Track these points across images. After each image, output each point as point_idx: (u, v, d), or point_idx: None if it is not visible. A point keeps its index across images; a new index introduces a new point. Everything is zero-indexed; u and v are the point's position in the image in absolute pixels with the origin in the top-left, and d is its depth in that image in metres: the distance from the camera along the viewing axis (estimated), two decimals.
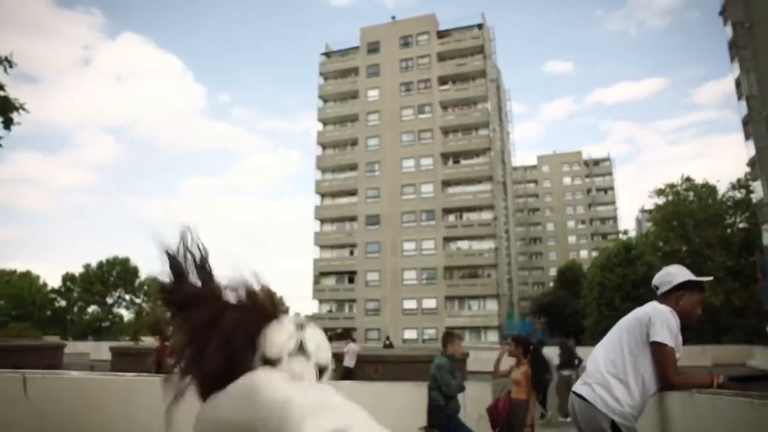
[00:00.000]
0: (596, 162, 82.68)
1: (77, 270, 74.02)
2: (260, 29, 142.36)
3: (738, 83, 33.25)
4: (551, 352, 12.62)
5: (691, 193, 41.89)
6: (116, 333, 65.61)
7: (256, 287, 1.20)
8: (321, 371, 1.09)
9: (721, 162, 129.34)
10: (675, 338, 2.61)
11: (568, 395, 8.64)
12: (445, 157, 50.34)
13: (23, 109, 12.80)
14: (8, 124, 12.87)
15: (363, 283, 49.81)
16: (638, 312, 2.78)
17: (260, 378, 0.98)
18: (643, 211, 49.30)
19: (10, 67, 13.07)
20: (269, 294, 1.21)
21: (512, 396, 5.44)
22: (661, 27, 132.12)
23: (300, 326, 1.12)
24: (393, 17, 55.65)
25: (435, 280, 47.79)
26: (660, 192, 42.86)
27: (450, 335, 5.94)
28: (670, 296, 2.76)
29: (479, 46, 52.09)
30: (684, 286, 2.74)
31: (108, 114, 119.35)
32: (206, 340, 1.11)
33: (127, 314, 77.18)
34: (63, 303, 73.23)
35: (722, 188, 41.60)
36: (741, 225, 40.01)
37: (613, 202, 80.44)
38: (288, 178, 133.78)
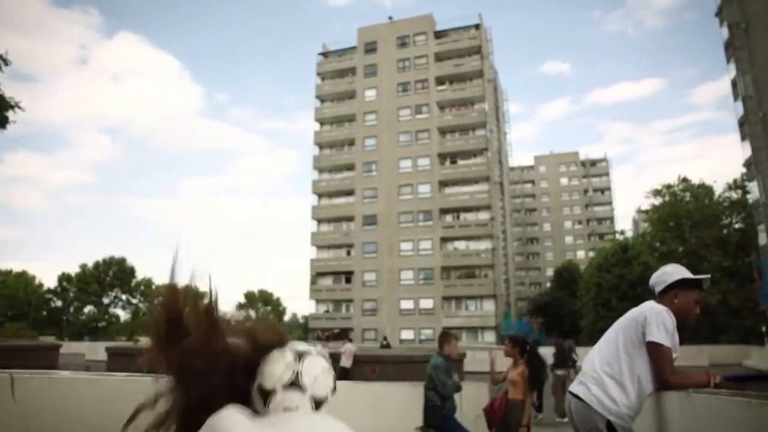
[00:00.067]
0: (593, 162, 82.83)
1: (73, 270, 73.84)
2: (258, 29, 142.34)
3: (734, 84, 33.32)
4: (547, 353, 12.67)
5: (687, 194, 42.00)
6: (112, 333, 65.53)
7: (260, 320, 1.18)
8: (318, 402, 1.07)
9: (717, 162, 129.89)
10: (671, 338, 2.59)
11: (563, 395, 8.66)
12: (442, 157, 50.37)
13: (18, 107, 12.75)
14: (3, 122, 12.81)
15: (360, 284, 49.79)
16: (634, 312, 2.77)
17: (219, 419, 0.98)
18: (639, 211, 49.52)
19: (6, 65, 13.03)
20: (272, 326, 1.19)
21: (509, 396, 5.42)
22: (658, 28, 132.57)
23: (299, 357, 1.10)
24: (390, 17, 55.73)
25: (432, 280, 47.80)
26: (657, 192, 42.97)
27: (446, 335, 5.92)
28: (666, 295, 2.75)
29: (476, 46, 52.13)
30: (678, 285, 2.73)
31: (105, 113, 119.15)
32: (192, 391, 1.09)
33: (123, 314, 77.04)
34: (59, 303, 72.99)
35: (719, 189, 41.80)
36: (737, 225, 40.14)
37: (610, 203, 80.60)
38: (286, 178, 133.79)
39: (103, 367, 17.33)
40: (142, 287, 76.98)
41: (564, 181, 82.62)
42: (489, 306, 46.32)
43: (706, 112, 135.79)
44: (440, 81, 52.24)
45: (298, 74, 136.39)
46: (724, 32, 34.07)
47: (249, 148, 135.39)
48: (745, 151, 32.35)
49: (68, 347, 26.39)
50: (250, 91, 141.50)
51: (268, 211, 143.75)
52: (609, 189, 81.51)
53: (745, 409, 1.76)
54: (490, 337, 44.78)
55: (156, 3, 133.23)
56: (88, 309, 74.13)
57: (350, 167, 53.25)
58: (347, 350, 15.67)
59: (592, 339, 32.05)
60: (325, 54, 58.41)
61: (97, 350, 26.58)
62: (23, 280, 70.64)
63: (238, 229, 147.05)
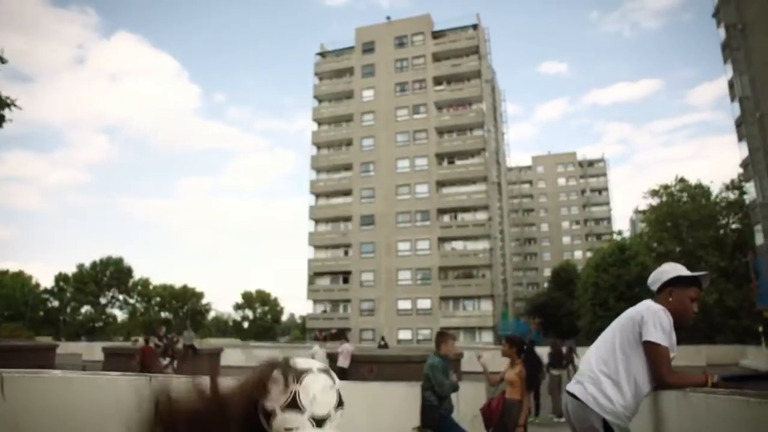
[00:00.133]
0: (591, 163, 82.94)
1: (70, 270, 73.71)
2: (256, 29, 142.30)
3: (731, 85, 33.40)
4: (543, 353, 12.69)
5: (684, 194, 42.05)
6: (109, 333, 65.41)
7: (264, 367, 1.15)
8: (320, 421, 1.05)
9: (714, 163, 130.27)
10: (669, 337, 2.57)
11: (559, 395, 8.62)
12: (440, 157, 50.37)
13: (15, 105, 12.69)
14: (0, 121, 12.75)
15: (357, 284, 49.76)
16: (631, 311, 2.75)
17: None
18: (637, 211, 49.59)
19: (2, 63, 12.97)
20: (269, 362, 1.16)
21: (506, 396, 5.41)
22: (655, 28, 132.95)
23: (297, 376, 1.08)
24: (388, 17, 55.72)
25: (430, 280, 47.80)
26: (654, 193, 43.02)
27: (443, 335, 5.90)
28: (662, 294, 2.74)
29: (474, 46, 52.14)
30: (674, 283, 2.71)
31: (102, 113, 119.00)
32: None
33: (120, 314, 76.93)
34: (56, 303, 72.83)
35: (716, 189, 41.88)
36: (734, 226, 40.23)
37: (607, 203, 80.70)
38: (283, 178, 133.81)
39: (99, 367, 17.29)
40: (139, 287, 76.86)
41: (561, 181, 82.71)
42: (486, 306, 46.34)
43: (703, 112, 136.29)
44: (438, 81, 52.25)
45: (296, 74, 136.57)
46: (721, 33, 34.15)
47: (247, 148, 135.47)
48: (742, 151, 32.43)
49: (65, 347, 26.33)
50: (248, 91, 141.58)
51: (266, 211, 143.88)
52: (606, 189, 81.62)
53: (744, 408, 1.75)
54: (487, 337, 44.79)
55: (154, 3, 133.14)
56: (85, 309, 73.98)
57: (348, 167, 53.23)
58: (344, 350, 15.67)
59: (589, 339, 32.04)
60: (322, 54, 58.38)
61: (94, 350, 26.51)
62: (20, 280, 70.43)
63: (236, 229, 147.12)
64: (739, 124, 32.26)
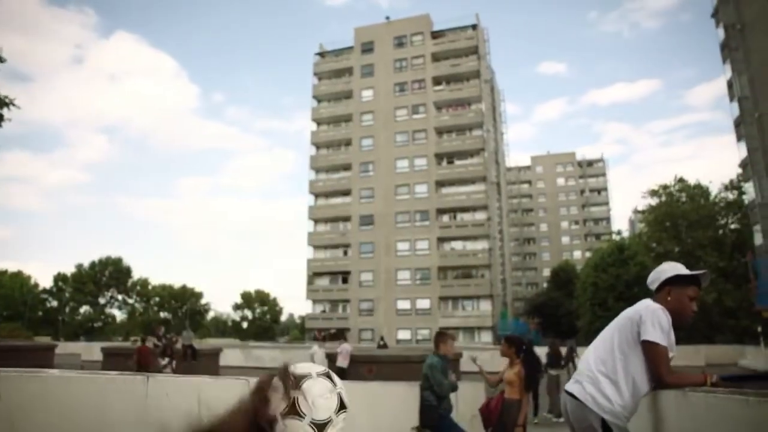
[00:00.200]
0: (590, 163, 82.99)
1: (69, 270, 73.63)
2: (255, 29, 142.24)
3: (730, 85, 33.41)
4: (541, 353, 12.68)
5: (683, 194, 42.07)
6: (108, 333, 65.38)
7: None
8: (321, 426, 1.06)
9: (713, 163, 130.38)
10: (667, 336, 2.56)
11: (557, 395, 8.60)
12: (439, 157, 50.37)
13: (13, 104, 12.68)
14: None
15: (357, 284, 49.76)
16: (630, 311, 2.74)
17: None
18: (636, 211, 49.60)
19: (1, 62, 12.95)
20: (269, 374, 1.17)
21: (505, 396, 5.40)
22: (654, 29, 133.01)
23: (297, 382, 1.08)
24: (387, 17, 55.70)
25: (429, 280, 47.80)
26: (653, 193, 43.02)
27: (442, 335, 5.89)
28: (661, 293, 2.73)
29: (473, 46, 52.15)
30: (672, 282, 2.71)
31: (101, 113, 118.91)
32: None
33: (119, 314, 76.88)
34: (55, 303, 72.76)
35: (714, 189, 41.90)
36: (733, 226, 40.24)
37: (606, 203, 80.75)
38: (283, 178, 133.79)
39: (98, 367, 17.27)
40: (138, 287, 76.81)
41: (561, 181, 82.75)
42: (486, 306, 46.34)
43: (702, 112, 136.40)
44: (437, 81, 52.25)
45: (295, 74, 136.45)
46: (720, 33, 34.17)
47: (246, 148, 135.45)
48: (741, 151, 32.44)
49: (64, 347, 26.31)
50: (248, 90, 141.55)
51: (266, 211, 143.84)
52: (605, 189, 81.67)
53: (743, 407, 1.74)
54: (486, 337, 44.80)
55: (153, 3, 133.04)
56: (84, 309, 73.91)
57: (347, 167, 53.22)
58: (343, 350, 15.68)
59: (588, 339, 32.05)
60: (322, 54, 58.36)
61: (92, 350, 26.50)
62: (18, 280, 70.35)
63: (235, 229, 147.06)
64: (738, 124, 32.27)
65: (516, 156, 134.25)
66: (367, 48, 55.04)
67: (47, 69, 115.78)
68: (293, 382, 1.08)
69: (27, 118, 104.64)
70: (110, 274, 73.94)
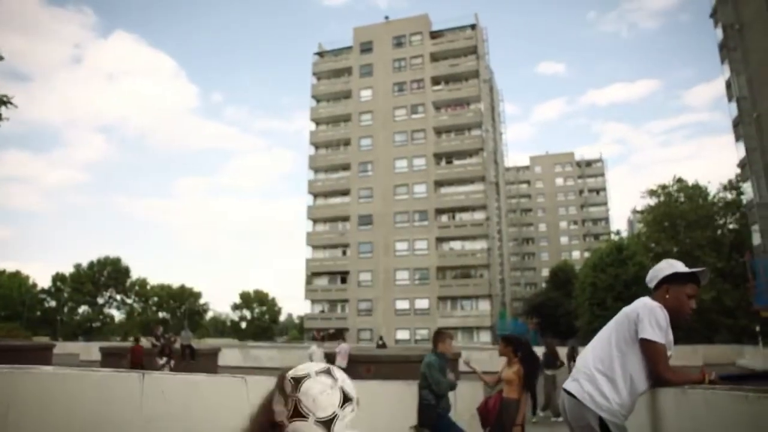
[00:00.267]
0: (588, 163, 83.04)
1: (68, 270, 73.52)
2: (254, 29, 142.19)
3: (728, 85, 33.41)
4: (538, 352, 12.69)
5: (682, 195, 42.10)
6: (107, 333, 65.26)
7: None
8: (327, 422, 1.07)
9: (712, 163, 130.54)
10: (665, 334, 2.55)
11: (553, 395, 8.58)
12: (438, 157, 50.36)
13: (11, 103, 12.66)
14: None
15: (355, 284, 49.73)
16: (627, 309, 2.74)
17: None
18: (634, 211, 49.61)
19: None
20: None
21: (504, 395, 5.38)
22: (653, 29, 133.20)
23: (296, 385, 1.09)
24: (386, 17, 55.69)
25: (427, 280, 47.79)
26: (652, 193, 43.06)
27: (441, 333, 5.87)
28: (659, 291, 2.72)
29: (472, 46, 52.16)
30: (670, 279, 2.69)
31: (100, 113, 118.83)
32: None
33: (118, 314, 76.79)
34: (53, 303, 72.66)
35: (713, 189, 41.95)
36: (731, 226, 40.28)
37: (605, 203, 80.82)
38: (282, 178, 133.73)
39: (97, 367, 17.25)
40: (136, 287, 76.72)
41: (559, 181, 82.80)
42: (484, 306, 46.34)
43: (700, 113, 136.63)
44: (436, 81, 52.24)
45: (294, 74, 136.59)
46: (719, 33, 34.17)
47: (245, 148, 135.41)
48: (739, 151, 32.44)
49: (62, 347, 26.29)
50: (247, 90, 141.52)
51: (264, 211, 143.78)
52: (604, 189, 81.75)
53: (742, 403, 1.73)
54: (485, 337, 44.81)
55: (151, 3, 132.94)
56: (83, 309, 73.83)
57: (346, 167, 53.19)
58: (342, 350, 15.69)
59: (587, 339, 32.04)
60: (320, 54, 58.33)
61: (91, 350, 26.47)
62: (17, 280, 70.28)
63: (234, 229, 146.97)
64: (737, 124, 32.28)
65: (515, 156, 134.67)
66: (366, 48, 55.02)
67: (46, 69, 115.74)
68: (293, 385, 1.09)
69: (26, 117, 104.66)
70: (109, 274, 73.87)
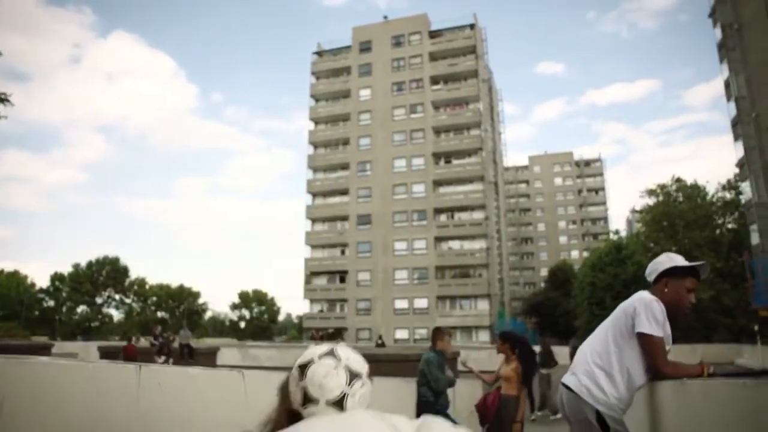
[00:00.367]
0: (587, 163, 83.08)
1: (66, 269, 73.44)
2: (253, 29, 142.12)
3: (727, 84, 33.41)
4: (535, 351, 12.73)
5: (680, 194, 42.12)
6: (106, 333, 65.16)
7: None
8: (338, 402, 1.10)
9: (711, 163, 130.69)
10: (662, 328, 2.55)
11: (548, 393, 8.61)
12: (437, 156, 50.35)
13: (8, 101, 12.62)
14: None
15: (354, 283, 49.71)
16: (625, 303, 2.74)
17: None
18: (633, 211, 49.55)
19: None
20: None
21: (502, 392, 5.38)
22: (652, 29, 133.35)
23: (302, 372, 1.12)
24: (385, 17, 55.68)
25: (426, 279, 47.78)
26: (651, 192, 43.07)
27: (439, 331, 5.87)
28: (658, 285, 2.72)
29: (471, 46, 52.15)
30: (669, 273, 2.69)
31: (99, 113, 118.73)
32: None
33: (116, 314, 76.71)
34: (51, 303, 72.57)
35: (712, 189, 41.95)
36: (730, 226, 40.28)
37: (604, 203, 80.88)
38: (281, 178, 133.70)
39: None
40: (135, 287, 76.65)
41: (558, 181, 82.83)
42: (483, 305, 46.34)
43: (699, 112, 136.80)
44: (435, 80, 52.23)
45: (294, 74, 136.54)
46: (718, 33, 34.16)
47: (245, 147, 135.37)
48: (738, 151, 32.43)
49: (61, 347, 26.18)
50: (246, 90, 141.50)
51: (264, 210, 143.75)
52: (603, 189, 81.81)
53: (740, 391, 1.73)
54: (484, 336, 44.81)
55: (151, 2, 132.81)
56: (81, 309, 73.75)
57: (345, 167, 53.16)
58: None
59: (585, 339, 32.09)
60: (319, 53, 58.30)
61: (89, 350, 26.40)
62: (15, 279, 70.20)
63: (233, 228, 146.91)
64: (735, 124, 32.28)
65: (514, 156, 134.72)
66: (365, 47, 55.00)
67: (46, 68, 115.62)
68: (300, 373, 1.12)
69: (25, 117, 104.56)
70: (107, 273, 73.80)
